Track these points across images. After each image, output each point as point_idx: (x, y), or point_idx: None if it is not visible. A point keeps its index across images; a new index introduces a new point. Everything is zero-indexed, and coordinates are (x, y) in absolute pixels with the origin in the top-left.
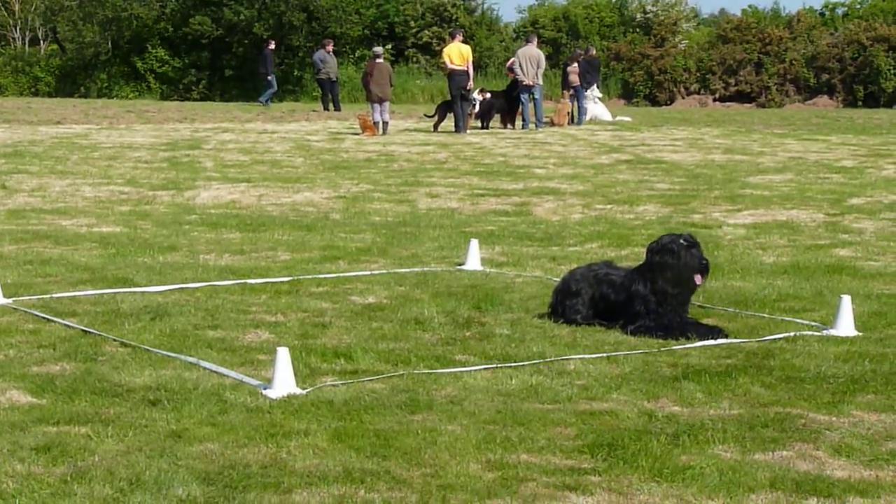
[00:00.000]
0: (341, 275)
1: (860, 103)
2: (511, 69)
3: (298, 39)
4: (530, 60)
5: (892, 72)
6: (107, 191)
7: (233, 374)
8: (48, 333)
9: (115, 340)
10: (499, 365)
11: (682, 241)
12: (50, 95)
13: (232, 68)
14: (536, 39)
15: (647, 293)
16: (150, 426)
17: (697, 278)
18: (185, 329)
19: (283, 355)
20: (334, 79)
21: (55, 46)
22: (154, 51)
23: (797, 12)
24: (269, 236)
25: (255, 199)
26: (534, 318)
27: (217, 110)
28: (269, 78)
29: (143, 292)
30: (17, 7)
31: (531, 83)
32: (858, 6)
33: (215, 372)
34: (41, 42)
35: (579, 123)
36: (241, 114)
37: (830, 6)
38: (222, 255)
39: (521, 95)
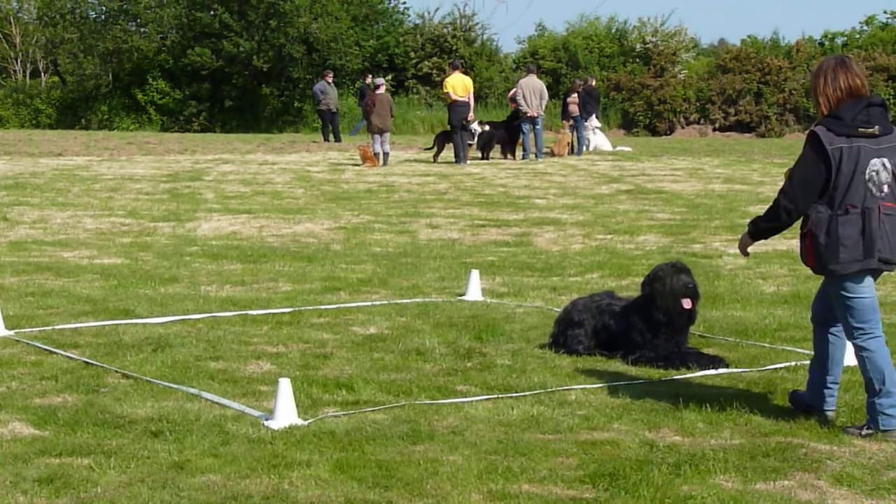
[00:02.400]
0: (342, 305)
1: None
2: (513, 100)
3: (298, 71)
4: (533, 91)
5: (891, 101)
6: (108, 222)
7: (235, 405)
8: (50, 365)
9: (116, 372)
10: (500, 395)
11: (669, 266)
12: (51, 127)
13: (232, 99)
14: (537, 70)
15: (643, 323)
16: (152, 457)
17: (686, 302)
18: (187, 360)
19: (285, 386)
20: (334, 110)
21: (56, 79)
22: (154, 83)
23: (796, 42)
24: (270, 267)
25: (256, 230)
26: (535, 348)
27: (217, 141)
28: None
29: (144, 324)
30: (18, 40)
31: (535, 114)
32: (858, 36)
33: (217, 403)
34: (42, 74)
35: (579, 154)
36: (241, 145)
37: (830, 36)
38: (223, 286)
39: (523, 126)
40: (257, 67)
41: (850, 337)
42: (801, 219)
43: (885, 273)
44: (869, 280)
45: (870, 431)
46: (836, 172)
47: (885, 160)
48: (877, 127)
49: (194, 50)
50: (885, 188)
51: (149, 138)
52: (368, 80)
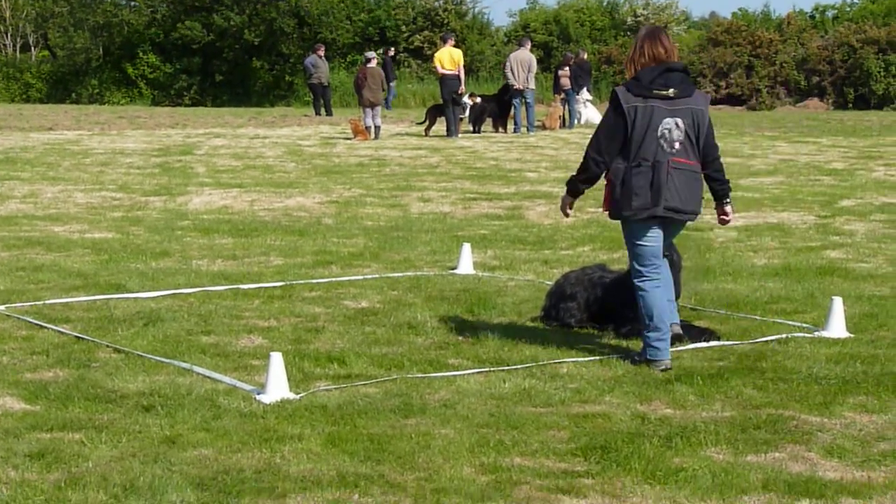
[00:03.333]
0: (334, 279)
1: (850, 105)
2: (504, 74)
3: (289, 46)
4: (521, 64)
5: (882, 74)
6: (99, 197)
7: (226, 379)
8: (41, 340)
9: (108, 346)
10: (492, 369)
11: None
12: (41, 102)
13: (223, 73)
14: (529, 43)
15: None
16: (143, 432)
17: None
18: (179, 335)
19: (277, 360)
20: (326, 84)
21: (46, 53)
22: (145, 56)
23: (787, 15)
24: (262, 241)
25: (248, 204)
26: (526, 321)
27: (208, 115)
28: (391, 84)
29: (135, 298)
30: (7, 14)
31: (522, 87)
32: (848, 9)
33: (209, 377)
34: (32, 48)
35: (571, 127)
36: (232, 119)
37: (821, 9)
38: (215, 260)
39: (514, 100)
40: (248, 41)
41: (633, 277)
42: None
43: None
44: (656, 230)
45: (638, 360)
46: (631, 128)
47: (679, 120)
48: (672, 90)
49: (185, 24)
50: (677, 145)
51: (139, 112)
52: (391, 52)
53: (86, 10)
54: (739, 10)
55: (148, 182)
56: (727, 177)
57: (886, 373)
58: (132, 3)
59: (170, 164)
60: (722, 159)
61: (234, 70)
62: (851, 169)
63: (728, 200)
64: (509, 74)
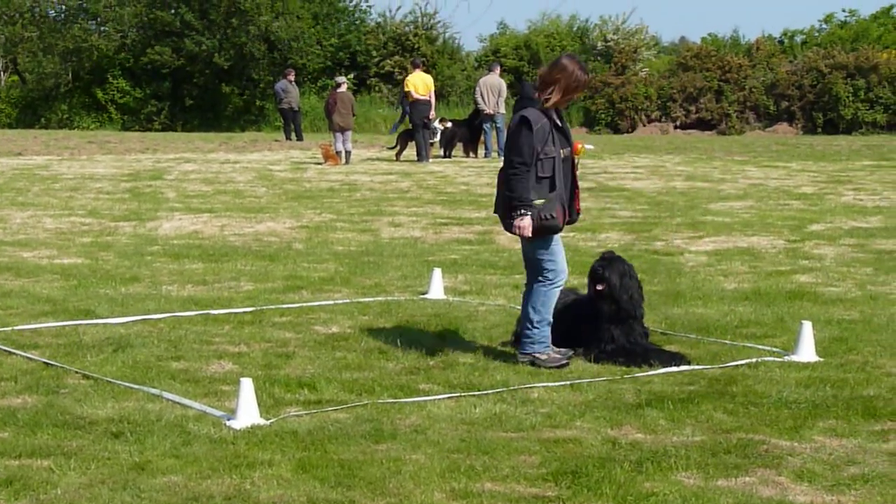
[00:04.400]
0: (304, 304)
1: (820, 130)
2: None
3: (259, 71)
4: (491, 89)
5: (850, 99)
6: (68, 222)
7: (196, 405)
8: (9, 366)
9: (77, 373)
10: (463, 394)
11: (600, 258)
12: (10, 127)
13: (193, 98)
14: (499, 68)
15: (593, 318)
16: (112, 459)
17: (598, 286)
18: (148, 360)
19: (247, 386)
20: (296, 108)
21: (15, 77)
22: (115, 81)
23: (756, 40)
24: (232, 266)
25: (218, 229)
26: (497, 346)
27: (179, 140)
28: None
29: (105, 324)
30: None
31: (492, 112)
32: (817, 34)
33: (178, 403)
34: (1, 73)
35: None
36: (202, 143)
37: (789, 34)
38: (185, 285)
39: (484, 124)
40: (218, 66)
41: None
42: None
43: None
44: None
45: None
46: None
47: None
48: None
49: (155, 48)
50: None
51: (109, 137)
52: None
53: (55, 35)
54: (709, 34)
55: (118, 207)
56: (513, 193)
57: (856, 397)
58: (102, 29)
59: (140, 189)
60: (511, 171)
61: (204, 95)
62: (821, 193)
63: (514, 213)
64: (479, 99)
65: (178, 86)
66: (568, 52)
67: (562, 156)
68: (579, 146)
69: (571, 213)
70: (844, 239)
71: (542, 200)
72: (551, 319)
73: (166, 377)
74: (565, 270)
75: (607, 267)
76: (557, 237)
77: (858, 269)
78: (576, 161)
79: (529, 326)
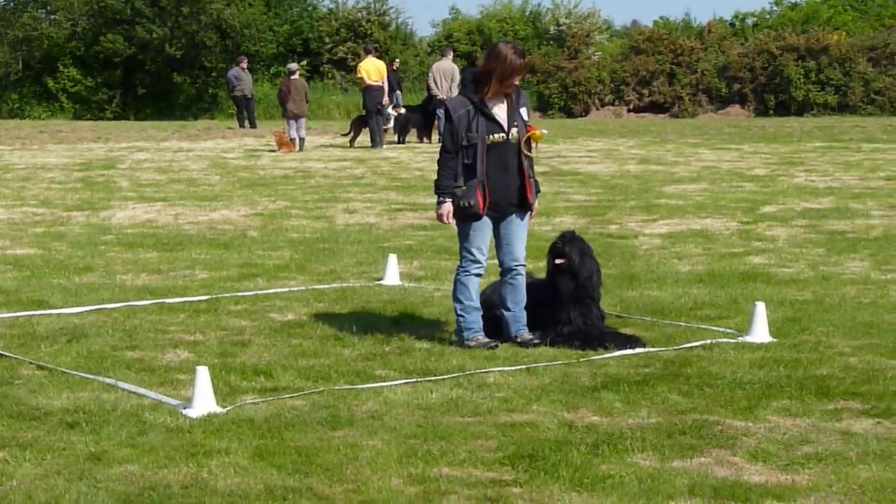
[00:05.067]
0: (260, 292)
1: (771, 112)
2: (428, 85)
3: (212, 60)
4: (444, 74)
5: (801, 80)
6: (20, 212)
7: (152, 394)
8: None
9: (31, 363)
10: (419, 379)
11: (560, 236)
12: None
13: (145, 87)
14: (452, 53)
15: (550, 300)
16: (68, 449)
17: (558, 261)
18: (103, 350)
19: (203, 374)
20: (249, 96)
21: None
22: (66, 70)
23: (708, 23)
24: (187, 255)
25: (172, 217)
26: (453, 331)
27: (131, 129)
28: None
29: (59, 314)
30: None
31: (445, 98)
32: (768, 16)
33: (134, 393)
34: None
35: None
36: (155, 132)
37: (741, 16)
38: (139, 274)
39: (437, 110)
40: (170, 55)
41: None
42: (525, 164)
43: (798, 251)
44: None
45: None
46: None
47: None
48: None
49: (106, 37)
50: None
51: (61, 126)
52: (396, 63)
53: (4, 23)
54: (661, 18)
55: (70, 197)
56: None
57: (809, 376)
58: (52, 17)
59: (92, 178)
60: (438, 160)
61: (156, 83)
62: (773, 175)
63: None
64: (432, 85)
65: (130, 74)
66: (503, 39)
67: (489, 141)
68: (537, 131)
69: (522, 200)
70: (797, 220)
71: (463, 187)
72: (476, 305)
73: (121, 367)
74: (482, 259)
75: (568, 243)
76: (484, 225)
77: (811, 249)
78: (532, 147)
79: (455, 314)
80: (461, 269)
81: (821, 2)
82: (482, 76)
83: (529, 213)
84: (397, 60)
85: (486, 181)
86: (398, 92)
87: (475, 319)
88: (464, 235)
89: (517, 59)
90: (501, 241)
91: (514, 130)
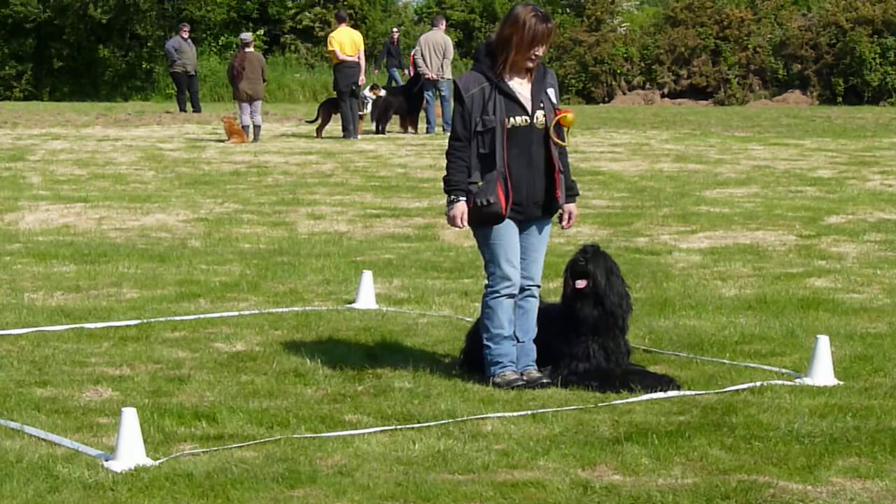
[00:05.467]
0: (202, 316)
1: (840, 100)
2: (415, 61)
3: (146, 26)
4: (435, 49)
5: (877, 61)
6: None
7: (66, 442)
8: None
9: None
10: (399, 426)
11: (578, 251)
12: None
13: (63, 59)
14: (444, 23)
15: (565, 330)
16: None
17: (579, 283)
18: (6, 386)
19: (130, 417)
20: (192, 72)
21: None
22: None
23: None
24: (112, 269)
25: (95, 222)
26: (442, 367)
27: (45, 112)
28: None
29: None
30: None
31: (435, 77)
32: None
33: (44, 440)
34: None
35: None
36: (75, 116)
37: None
38: (53, 293)
39: (425, 92)
40: (95, 19)
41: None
42: (555, 155)
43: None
44: None
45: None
46: None
47: None
48: None
49: None
50: None
51: None
52: (396, 34)
53: None
54: None
55: None
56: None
57: (883, 428)
58: None
59: None
60: (447, 151)
61: (77, 55)
62: (841, 178)
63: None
64: (420, 61)
65: (45, 44)
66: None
67: (509, 125)
68: (569, 114)
69: (550, 200)
70: (869, 234)
71: (479, 183)
72: (507, 334)
73: (29, 407)
74: (514, 275)
75: (591, 260)
76: (510, 231)
77: (886, 270)
78: (562, 134)
79: (483, 345)
80: (489, 290)
81: None
82: (498, 46)
83: (558, 219)
84: (397, 30)
85: (509, 174)
86: (398, 70)
87: (505, 351)
88: (487, 246)
89: (540, 24)
90: (519, 250)
91: (539, 113)
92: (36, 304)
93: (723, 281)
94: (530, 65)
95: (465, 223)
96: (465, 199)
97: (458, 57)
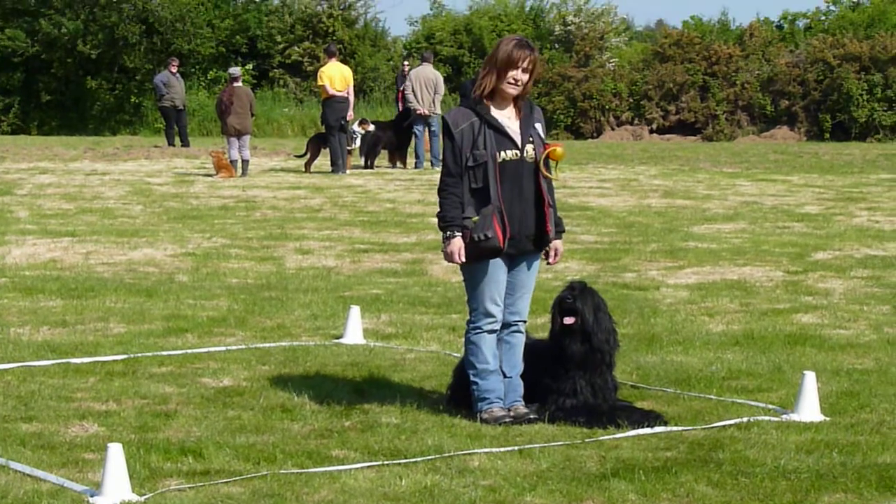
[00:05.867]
0: (189, 351)
1: (827, 136)
2: (405, 96)
3: (135, 59)
4: (426, 84)
5: (864, 98)
6: None
7: (52, 477)
8: None
9: None
10: (386, 462)
11: (565, 287)
12: None
13: (52, 93)
14: (433, 58)
15: (552, 365)
16: None
17: (567, 320)
18: None
19: (116, 453)
20: (181, 107)
21: None
22: None
23: (750, 25)
24: (99, 304)
25: (82, 257)
26: (429, 403)
27: (33, 146)
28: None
29: None
30: None
31: (427, 112)
32: (823, 17)
33: (30, 475)
34: None
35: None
36: (63, 150)
37: (790, 17)
38: (39, 328)
39: (415, 127)
40: (83, 53)
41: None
42: (544, 189)
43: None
44: None
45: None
46: None
47: None
48: None
49: (4, 31)
50: None
51: None
52: (406, 66)
53: None
54: (692, 18)
55: None
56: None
57: (869, 465)
58: None
59: None
60: (438, 187)
61: (65, 89)
62: (828, 214)
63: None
64: (411, 97)
65: (33, 77)
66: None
67: (500, 159)
68: (558, 148)
69: (540, 234)
70: (856, 270)
71: (475, 217)
72: (493, 368)
73: (14, 443)
74: (497, 313)
75: (579, 297)
76: (498, 271)
77: (873, 306)
78: (551, 168)
79: (470, 382)
80: (472, 326)
81: (889, 1)
82: (481, 75)
83: (545, 255)
84: (407, 63)
85: (503, 207)
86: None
87: (492, 386)
88: (473, 283)
89: (516, 49)
90: (504, 287)
91: (528, 147)
92: (22, 338)
93: (710, 317)
94: (510, 90)
95: (463, 258)
96: (460, 234)
97: (447, 92)
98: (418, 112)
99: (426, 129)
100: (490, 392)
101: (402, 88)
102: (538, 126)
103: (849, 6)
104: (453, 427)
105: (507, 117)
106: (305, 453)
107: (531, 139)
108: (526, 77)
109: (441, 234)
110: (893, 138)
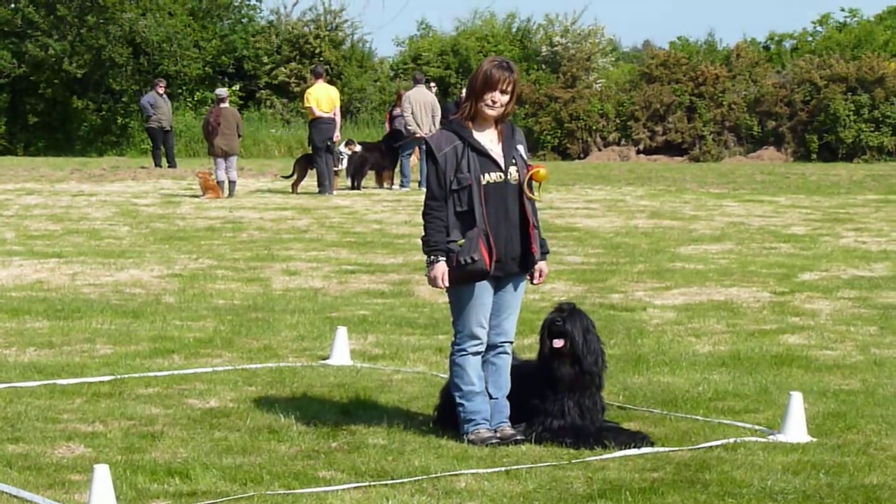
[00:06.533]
0: (176, 372)
1: (814, 157)
2: (394, 117)
3: (122, 80)
4: (424, 107)
5: (851, 118)
6: None
7: (38, 499)
8: None
9: None
10: (372, 483)
11: (554, 308)
12: None
13: (38, 114)
14: (424, 79)
15: (539, 386)
16: None
17: (557, 342)
18: None
19: (102, 474)
20: (168, 128)
21: None
22: None
23: (736, 46)
24: (86, 325)
25: (68, 278)
26: (416, 424)
27: (19, 167)
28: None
29: None
30: None
31: (426, 135)
32: (810, 38)
33: (16, 497)
34: None
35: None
36: (49, 171)
37: (777, 38)
38: (25, 349)
39: (404, 151)
40: (70, 74)
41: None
42: (528, 211)
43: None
44: None
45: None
46: None
47: None
48: None
49: None
50: None
51: None
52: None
53: None
54: (679, 39)
55: None
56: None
57: (855, 485)
58: None
59: None
60: (423, 211)
61: (52, 110)
62: (815, 234)
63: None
64: (410, 119)
65: (19, 98)
66: None
67: (484, 181)
68: (541, 169)
69: (526, 256)
70: (843, 291)
71: (461, 241)
72: (478, 390)
73: (0, 464)
74: (482, 335)
75: (568, 319)
76: (484, 294)
77: (860, 327)
78: (534, 189)
79: (456, 404)
80: (456, 348)
81: (875, 22)
82: (465, 97)
83: (529, 277)
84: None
85: (489, 230)
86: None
87: (478, 408)
88: (459, 306)
89: (496, 70)
90: (489, 310)
91: (512, 169)
92: (8, 360)
93: (697, 337)
94: (488, 112)
95: (447, 283)
96: (444, 258)
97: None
98: (418, 136)
99: (419, 150)
100: (476, 413)
101: (391, 111)
102: (520, 148)
103: (836, 27)
104: (440, 448)
105: (490, 139)
106: (292, 474)
107: (514, 161)
108: (505, 98)
109: (425, 257)
110: (880, 159)
